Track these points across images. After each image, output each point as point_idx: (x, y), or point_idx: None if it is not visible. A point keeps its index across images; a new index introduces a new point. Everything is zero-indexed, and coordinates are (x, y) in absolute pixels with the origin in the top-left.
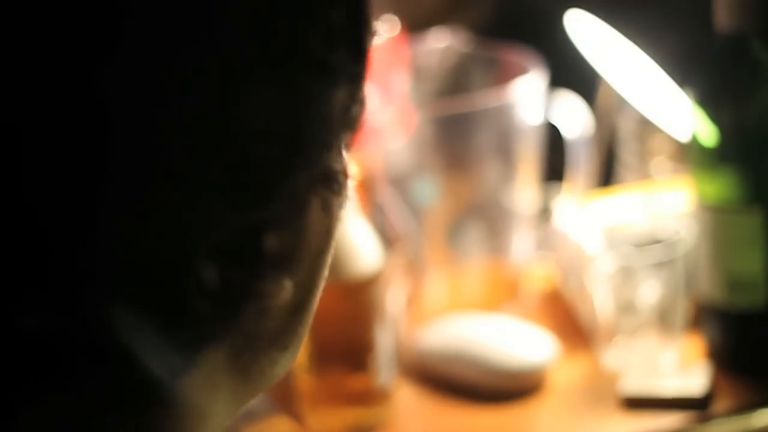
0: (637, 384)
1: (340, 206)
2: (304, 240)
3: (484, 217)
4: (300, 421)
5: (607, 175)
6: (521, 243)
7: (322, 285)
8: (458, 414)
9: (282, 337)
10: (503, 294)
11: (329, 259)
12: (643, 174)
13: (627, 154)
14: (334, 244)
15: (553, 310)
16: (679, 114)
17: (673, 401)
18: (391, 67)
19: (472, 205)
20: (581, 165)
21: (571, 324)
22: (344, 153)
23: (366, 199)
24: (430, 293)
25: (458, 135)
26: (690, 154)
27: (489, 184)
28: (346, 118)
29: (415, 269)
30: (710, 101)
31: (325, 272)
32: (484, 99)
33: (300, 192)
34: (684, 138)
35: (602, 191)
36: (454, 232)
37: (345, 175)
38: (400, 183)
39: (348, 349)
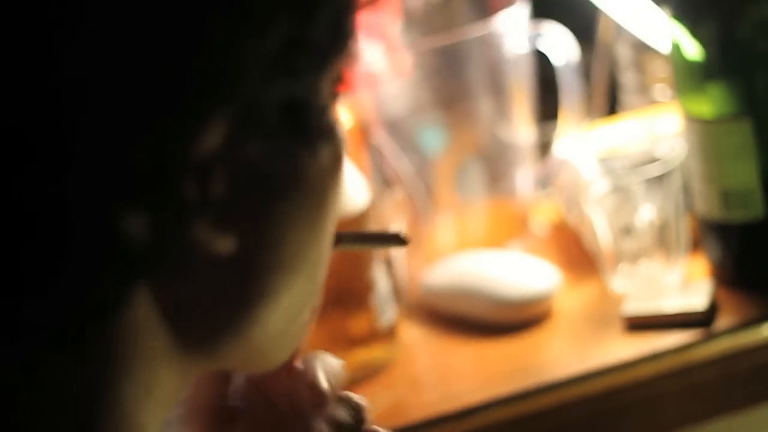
0: (639, 305)
1: (311, 155)
2: (242, 187)
3: (485, 154)
4: None
5: (611, 103)
6: (524, 178)
7: (293, 246)
8: (466, 348)
9: (233, 300)
10: (509, 230)
11: (304, 217)
12: (645, 100)
13: (628, 81)
14: (307, 199)
15: (559, 242)
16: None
17: (675, 319)
18: (379, 10)
19: (472, 144)
20: (573, 94)
21: (577, 253)
22: (323, 98)
23: (361, 143)
24: (436, 234)
25: (450, 71)
26: (675, 70)
27: (486, 120)
28: (295, 52)
29: (416, 210)
30: (694, 15)
31: (301, 233)
32: (471, 30)
33: (230, 133)
34: (669, 53)
35: (603, 119)
36: (457, 172)
37: (314, 118)
38: (397, 126)
39: (344, 291)
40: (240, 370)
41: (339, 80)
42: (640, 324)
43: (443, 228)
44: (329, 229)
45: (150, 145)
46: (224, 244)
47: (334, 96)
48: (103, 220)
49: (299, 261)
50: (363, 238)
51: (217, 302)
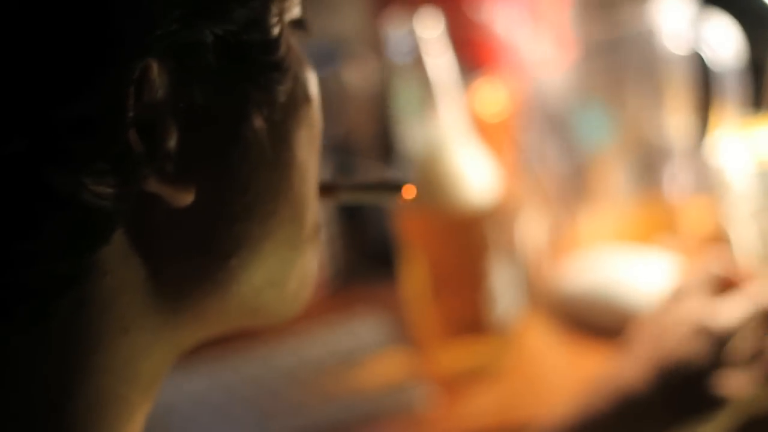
0: None
1: (262, 93)
2: (193, 136)
3: (641, 152)
4: (421, 355)
5: None
6: (676, 177)
7: (260, 190)
8: (589, 354)
9: (205, 252)
10: (657, 230)
11: (267, 159)
12: None
13: None
14: (266, 139)
15: (706, 248)
16: None
17: None
18: None
19: (631, 141)
20: (733, 93)
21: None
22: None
23: (508, 133)
24: (583, 232)
25: (611, 64)
26: None
27: (644, 117)
28: None
29: (563, 205)
30: None
31: (268, 175)
32: (633, 24)
33: (171, 82)
34: None
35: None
36: (613, 169)
37: (258, 55)
38: (554, 117)
39: (462, 283)
40: (245, 326)
41: (290, 13)
42: None
43: (589, 224)
44: (306, 168)
45: (89, 101)
46: (183, 196)
47: (287, 30)
48: (59, 184)
49: (273, 204)
50: (360, 187)
51: (189, 257)
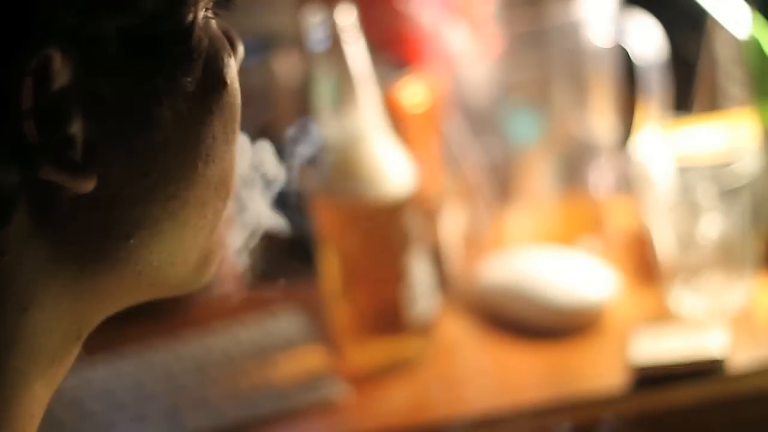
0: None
1: (169, 82)
2: (98, 125)
3: (564, 148)
4: (336, 351)
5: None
6: (600, 175)
7: (164, 175)
8: (507, 350)
9: (104, 234)
10: (581, 229)
11: (172, 147)
12: (746, 103)
13: (729, 83)
14: (174, 128)
15: (629, 246)
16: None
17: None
18: None
19: (555, 136)
20: (655, 90)
21: (645, 260)
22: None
23: (430, 126)
24: (505, 227)
25: (535, 58)
26: (753, 72)
27: (567, 112)
28: None
29: (483, 200)
30: None
31: (173, 162)
32: (556, 17)
33: (74, 72)
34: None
35: (686, 120)
36: (535, 164)
37: (165, 45)
38: (476, 111)
39: (378, 277)
40: (149, 299)
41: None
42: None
43: (512, 221)
44: (214, 152)
45: None
46: (84, 183)
47: (203, 17)
48: None
49: (175, 188)
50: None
51: (90, 239)
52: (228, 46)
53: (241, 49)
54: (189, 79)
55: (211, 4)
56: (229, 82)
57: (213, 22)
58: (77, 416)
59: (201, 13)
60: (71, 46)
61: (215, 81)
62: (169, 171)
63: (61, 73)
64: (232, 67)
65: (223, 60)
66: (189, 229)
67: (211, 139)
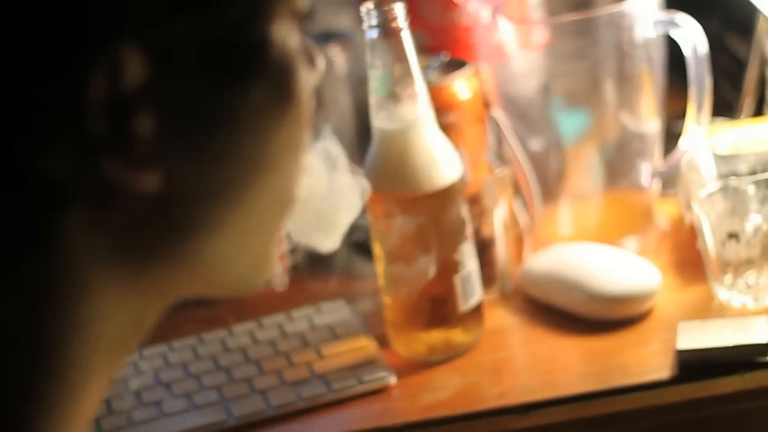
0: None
1: (240, 94)
2: (168, 126)
3: (611, 142)
4: (385, 341)
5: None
6: (648, 171)
7: (229, 181)
8: (555, 341)
9: (164, 232)
10: (628, 224)
11: (239, 155)
12: None
13: None
14: (240, 137)
15: (676, 241)
16: None
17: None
18: None
19: (601, 131)
20: (702, 86)
21: (691, 255)
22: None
23: (477, 117)
24: (552, 221)
25: (582, 52)
26: None
27: (613, 106)
28: None
29: (528, 193)
30: None
31: (240, 169)
32: (603, 9)
33: (149, 73)
34: None
35: (734, 117)
36: (582, 158)
37: (240, 57)
38: (523, 104)
39: (430, 268)
40: (204, 296)
41: (292, 9)
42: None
43: (559, 214)
44: (278, 164)
45: (54, 79)
46: (149, 181)
47: (281, 30)
48: (23, 156)
49: (241, 195)
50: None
51: (149, 235)
52: (305, 60)
53: (321, 62)
54: (261, 91)
55: (291, 17)
56: (300, 96)
57: (292, 36)
58: (124, 396)
59: (281, 26)
60: (150, 46)
61: (287, 95)
62: (233, 177)
63: (136, 71)
64: (307, 82)
65: (297, 75)
66: (248, 234)
67: (277, 149)
